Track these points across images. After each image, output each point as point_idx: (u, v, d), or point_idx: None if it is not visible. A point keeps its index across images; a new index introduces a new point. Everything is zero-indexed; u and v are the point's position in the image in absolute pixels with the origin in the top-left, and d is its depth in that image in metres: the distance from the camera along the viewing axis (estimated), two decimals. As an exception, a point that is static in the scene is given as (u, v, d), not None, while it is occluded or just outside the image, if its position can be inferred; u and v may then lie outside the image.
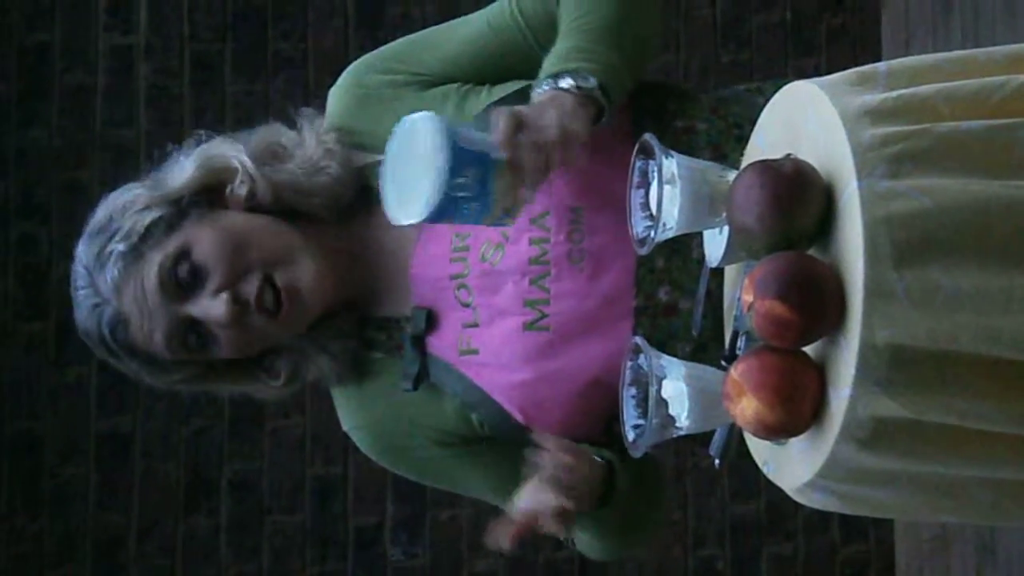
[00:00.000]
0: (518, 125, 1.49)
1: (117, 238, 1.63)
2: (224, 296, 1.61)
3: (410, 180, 1.48)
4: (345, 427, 1.78)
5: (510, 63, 1.70)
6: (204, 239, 1.63)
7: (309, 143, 1.70)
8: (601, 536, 1.72)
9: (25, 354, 3.77)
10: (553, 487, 1.54)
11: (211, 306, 1.61)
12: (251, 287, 1.62)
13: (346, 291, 1.71)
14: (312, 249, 1.66)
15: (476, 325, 1.68)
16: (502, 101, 1.66)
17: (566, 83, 1.56)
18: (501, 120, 1.48)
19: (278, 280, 1.62)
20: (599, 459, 1.64)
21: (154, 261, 1.62)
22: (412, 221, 1.48)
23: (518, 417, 1.67)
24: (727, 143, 1.67)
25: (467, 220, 1.49)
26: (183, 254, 1.62)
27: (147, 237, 1.62)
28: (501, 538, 1.55)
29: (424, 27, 1.78)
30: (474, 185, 1.46)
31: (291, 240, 1.66)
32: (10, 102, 3.84)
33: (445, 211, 1.47)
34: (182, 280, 1.62)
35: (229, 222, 1.65)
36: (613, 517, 1.67)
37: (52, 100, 3.86)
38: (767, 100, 1.56)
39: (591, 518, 1.65)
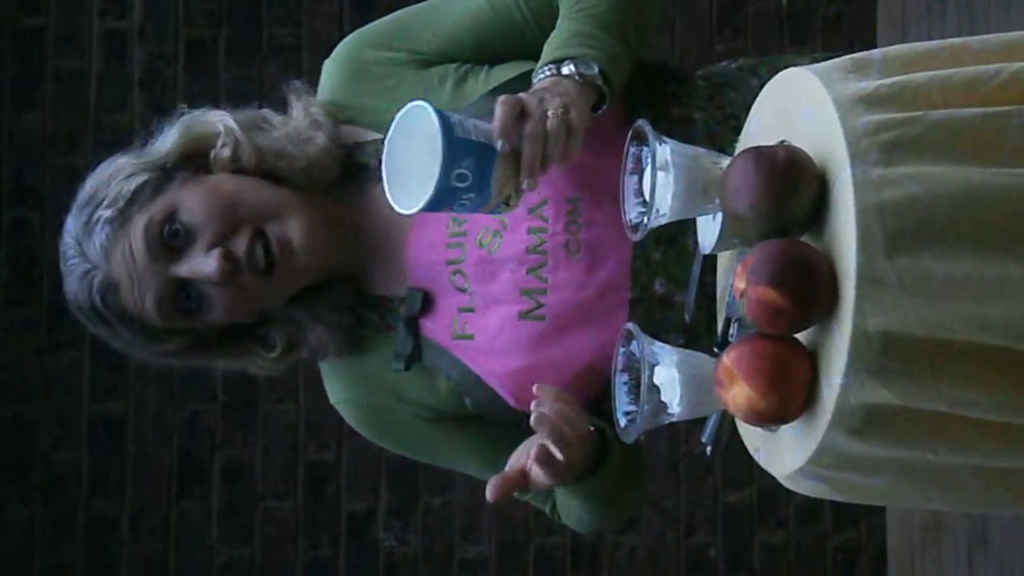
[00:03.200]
0: (519, 114, 1.49)
1: (104, 205, 1.62)
2: (215, 252, 1.60)
3: (409, 170, 1.49)
4: (333, 400, 1.78)
5: (508, 43, 1.69)
6: (191, 199, 1.62)
7: (296, 115, 1.70)
8: (590, 507, 1.71)
9: (17, 338, 3.77)
10: (548, 434, 1.54)
11: (202, 263, 1.60)
12: (242, 243, 1.61)
13: (339, 263, 1.70)
14: (301, 207, 1.65)
15: (472, 310, 1.68)
16: (501, 87, 1.65)
17: (568, 69, 1.56)
18: (500, 109, 1.48)
19: (269, 233, 1.61)
20: (591, 428, 1.64)
21: (141, 223, 1.61)
22: (411, 211, 1.48)
23: (511, 403, 1.68)
24: (724, 134, 1.67)
25: (465, 209, 1.50)
26: (170, 215, 1.61)
27: (133, 201, 1.62)
28: (488, 489, 1.55)
29: (418, 11, 1.77)
30: (472, 175, 1.46)
31: (280, 197, 1.65)
32: (3, 86, 3.83)
33: (443, 201, 1.47)
34: (170, 240, 1.61)
35: (215, 182, 1.65)
36: (603, 486, 1.67)
37: (46, 84, 3.85)
38: (760, 82, 1.56)
39: (583, 486, 1.65)
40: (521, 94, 1.52)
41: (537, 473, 1.55)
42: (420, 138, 1.47)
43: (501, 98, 1.49)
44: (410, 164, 1.49)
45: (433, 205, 1.46)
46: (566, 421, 1.55)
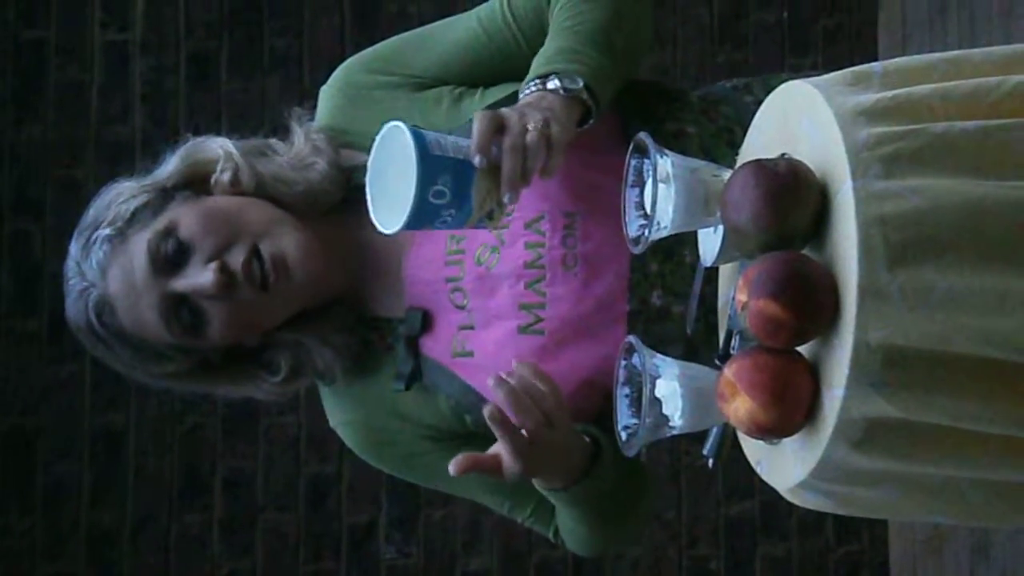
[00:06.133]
0: (497, 128, 1.49)
1: (103, 226, 1.64)
2: (211, 266, 1.60)
3: (388, 190, 1.51)
4: (332, 423, 1.78)
5: (502, 66, 1.70)
6: (189, 216, 1.63)
7: (298, 142, 1.71)
8: (585, 518, 1.70)
9: (18, 350, 3.77)
10: (505, 396, 1.54)
11: (198, 276, 1.61)
12: (238, 257, 1.61)
13: (339, 284, 1.71)
14: (298, 225, 1.66)
15: (471, 327, 1.68)
16: (495, 106, 1.66)
17: (553, 84, 1.56)
18: (478, 124, 1.49)
19: (264, 250, 1.62)
20: (587, 438, 1.64)
21: (140, 240, 1.62)
22: (392, 230, 1.50)
23: (512, 418, 1.67)
24: (718, 147, 1.67)
25: (448, 226, 1.51)
26: (169, 231, 1.62)
27: (132, 221, 1.63)
28: (453, 461, 1.56)
29: (420, 24, 1.78)
30: (449, 192, 1.47)
31: (277, 215, 1.66)
32: (5, 98, 3.84)
33: (423, 218, 1.48)
34: (168, 256, 1.61)
35: (214, 202, 1.66)
36: (599, 500, 1.67)
37: (47, 96, 3.86)
38: (755, 99, 1.58)
39: (575, 492, 1.65)
40: (502, 109, 1.53)
41: (508, 461, 1.55)
42: (399, 158, 1.48)
43: (478, 113, 1.50)
44: (391, 184, 1.50)
45: (413, 223, 1.47)
46: (530, 393, 1.55)
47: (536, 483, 1.65)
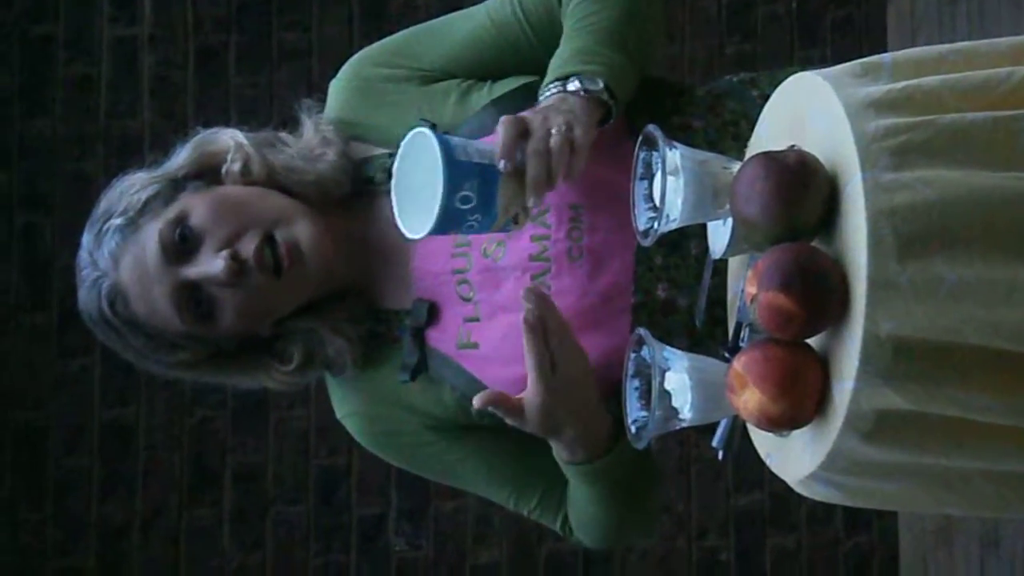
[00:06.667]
0: (521, 133, 1.50)
1: (115, 215, 1.65)
2: (223, 253, 1.61)
3: (416, 196, 1.52)
4: (339, 415, 1.79)
5: (510, 60, 1.71)
6: (201, 205, 1.64)
7: (307, 133, 1.71)
8: (599, 499, 1.69)
9: (28, 344, 3.78)
10: (545, 315, 1.54)
11: (210, 264, 1.61)
12: (250, 245, 1.62)
13: (348, 275, 1.72)
14: (309, 215, 1.66)
15: (477, 320, 1.68)
16: (503, 98, 1.68)
17: (574, 85, 1.57)
18: (502, 129, 1.50)
19: (278, 237, 1.63)
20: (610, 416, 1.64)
21: (151, 229, 1.63)
22: (419, 236, 1.51)
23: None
24: (723, 141, 1.68)
25: (473, 231, 1.52)
26: (180, 219, 1.63)
27: (144, 210, 1.64)
28: (478, 396, 1.57)
29: (428, 18, 1.79)
30: (476, 197, 1.48)
31: (288, 204, 1.67)
32: (14, 93, 3.84)
33: (449, 225, 1.49)
34: (179, 244, 1.62)
35: (225, 191, 1.67)
36: (616, 484, 1.67)
37: (56, 91, 3.86)
38: (761, 93, 1.57)
39: (595, 467, 1.65)
40: (524, 113, 1.54)
41: (531, 391, 1.55)
42: (425, 164, 1.49)
43: (502, 118, 1.51)
44: (417, 190, 1.51)
45: (440, 229, 1.49)
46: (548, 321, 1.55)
47: (558, 455, 1.65)
